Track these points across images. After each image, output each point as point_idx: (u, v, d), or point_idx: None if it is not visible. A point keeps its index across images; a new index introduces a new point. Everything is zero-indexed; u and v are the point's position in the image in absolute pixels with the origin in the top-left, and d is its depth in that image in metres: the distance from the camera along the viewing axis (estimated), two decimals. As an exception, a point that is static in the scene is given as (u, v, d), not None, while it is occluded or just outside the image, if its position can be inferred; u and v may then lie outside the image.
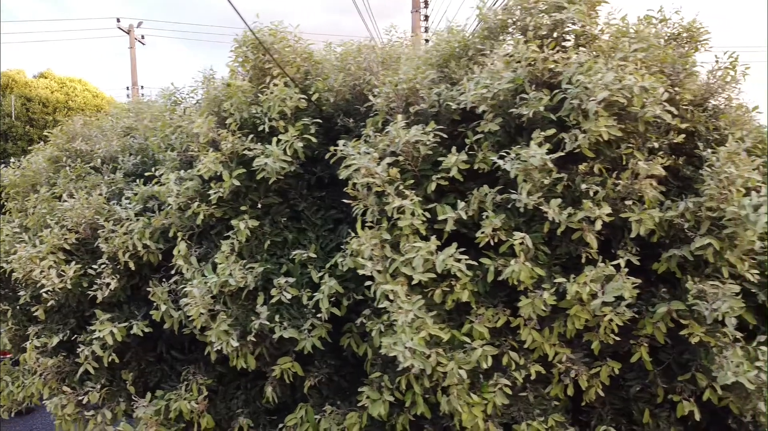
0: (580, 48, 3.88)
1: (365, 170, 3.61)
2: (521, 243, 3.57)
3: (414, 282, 3.57)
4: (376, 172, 3.59)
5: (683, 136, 4.09)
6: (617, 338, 3.80)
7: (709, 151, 3.81)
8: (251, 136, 4.29)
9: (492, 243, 3.65)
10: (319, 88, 4.49)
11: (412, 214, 3.62)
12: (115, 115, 6.53)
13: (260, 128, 4.28)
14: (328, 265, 4.12)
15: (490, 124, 3.73)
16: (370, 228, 3.76)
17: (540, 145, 3.55)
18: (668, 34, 4.69)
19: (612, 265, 3.60)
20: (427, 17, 18.32)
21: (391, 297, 3.55)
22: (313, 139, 4.23)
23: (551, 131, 3.59)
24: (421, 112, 3.99)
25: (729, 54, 4.43)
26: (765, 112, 4.95)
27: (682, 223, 3.69)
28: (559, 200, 3.51)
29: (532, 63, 3.77)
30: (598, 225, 3.50)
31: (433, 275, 3.52)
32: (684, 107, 4.27)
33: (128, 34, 28.27)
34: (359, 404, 4.08)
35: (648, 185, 3.59)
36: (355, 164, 3.62)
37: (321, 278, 4.08)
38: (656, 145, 3.82)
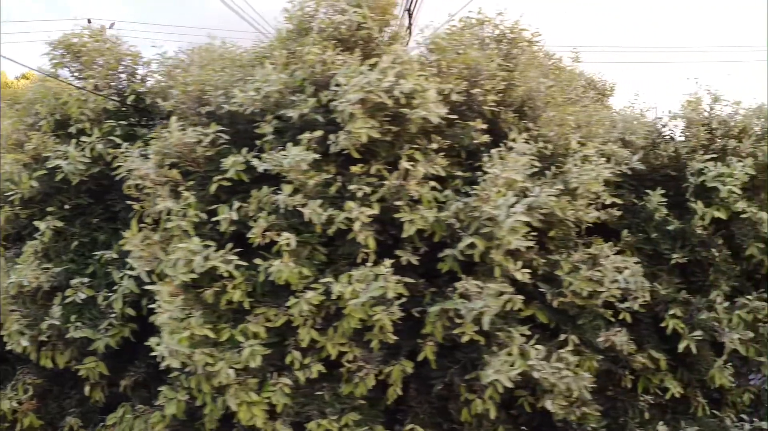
0: (367, 52, 3.91)
1: (137, 172, 3.63)
2: (287, 244, 3.59)
3: (180, 283, 3.59)
4: (147, 173, 3.61)
5: (487, 135, 4.13)
6: (396, 337, 3.84)
7: (495, 151, 3.84)
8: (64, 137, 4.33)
9: (263, 244, 3.68)
10: (134, 89, 4.52)
11: (184, 215, 3.65)
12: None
13: (69, 130, 4.31)
14: (128, 266, 4.15)
15: (266, 125, 3.75)
16: (152, 229, 3.79)
17: (308, 146, 3.58)
18: (491, 36, 4.72)
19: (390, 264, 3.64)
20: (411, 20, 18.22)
21: (157, 297, 3.59)
22: (119, 141, 4.25)
23: (319, 132, 3.62)
24: (210, 113, 4.01)
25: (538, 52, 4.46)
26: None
27: (455, 223, 3.72)
28: (320, 201, 3.53)
29: (312, 65, 3.79)
30: (357, 226, 3.52)
31: (195, 275, 3.55)
32: (489, 107, 4.29)
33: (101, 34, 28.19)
34: (156, 403, 4.11)
35: (415, 186, 3.62)
36: (127, 166, 3.64)
37: (122, 278, 4.11)
38: (435, 146, 3.84)
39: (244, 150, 3.84)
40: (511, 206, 3.42)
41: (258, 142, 3.93)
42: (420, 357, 3.97)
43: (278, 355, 3.98)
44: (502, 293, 3.63)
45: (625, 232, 4.74)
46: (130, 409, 4.53)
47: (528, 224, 3.92)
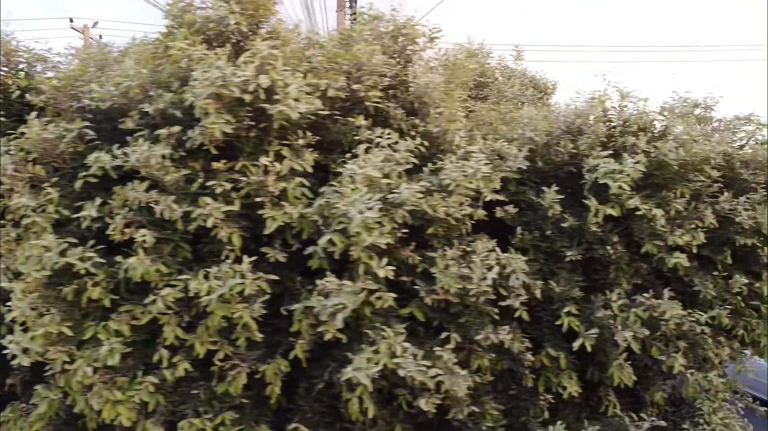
0: (238, 48, 3.87)
1: (-4, 168, 3.60)
2: (144, 241, 3.56)
3: (35, 280, 3.56)
4: (5, 169, 3.58)
5: (370, 132, 4.08)
6: (269, 335, 3.80)
7: (360, 147, 3.80)
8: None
9: (122, 241, 3.65)
10: (21, 86, 4.48)
11: (43, 211, 3.61)
12: None
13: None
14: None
15: (129, 121, 3.72)
16: (14, 226, 3.76)
17: (167, 142, 3.55)
18: (386, 32, 4.67)
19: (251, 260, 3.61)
20: (354, 15, 18.24)
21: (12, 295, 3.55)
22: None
23: (177, 128, 3.58)
24: (81, 108, 3.98)
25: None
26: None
27: (318, 220, 3.68)
28: (172, 197, 3.50)
29: (178, 61, 3.76)
30: (210, 223, 3.48)
31: (48, 272, 3.51)
32: (372, 103, 4.25)
33: (82, 33, 28.25)
34: (31, 401, 4.08)
35: (274, 182, 3.58)
36: (-14, 162, 3.61)
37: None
38: (302, 142, 3.80)
39: (115, 146, 3.81)
40: (366, 203, 3.38)
41: (129, 138, 3.89)
42: (291, 356, 3.94)
43: (150, 353, 3.95)
44: (363, 290, 3.59)
45: (519, 230, 4.71)
46: (18, 408, 4.51)
47: (403, 221, 3.92)
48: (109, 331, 3.68)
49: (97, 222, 3.72)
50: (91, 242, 3.66)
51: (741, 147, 5.75)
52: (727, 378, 6.23)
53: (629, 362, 4.98)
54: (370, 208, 3.40)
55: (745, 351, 6.14)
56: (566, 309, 4.63)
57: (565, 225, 4.69)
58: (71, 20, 28.48)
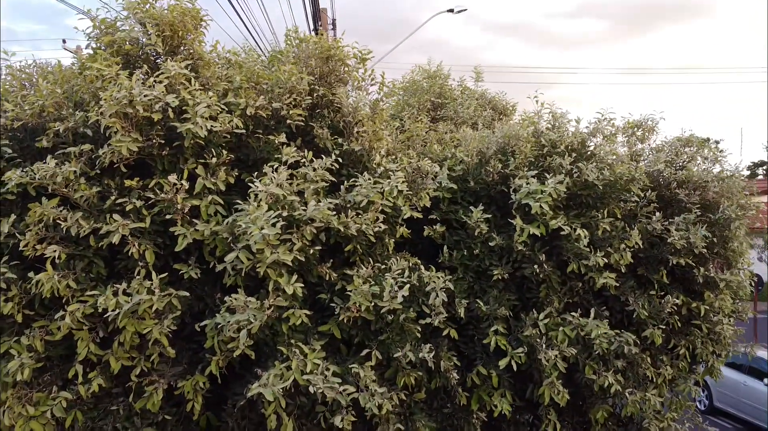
0: (155, 68, 3.97)
1: None
2: (55, 257, 3.62)
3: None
4: None
5: (293, 149, 4.16)
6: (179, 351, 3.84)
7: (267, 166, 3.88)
8: None
9: (35, 257, 3.70)
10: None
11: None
12: None
13: None
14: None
15: (45, 139, 3.80)
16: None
17: (77, 160, 3.62)
18: (313, 53, 4.78)
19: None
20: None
21: None
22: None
23: (88, 146, 3.66)
24: (5, 126, 4.06)
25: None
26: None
27: (228, 237, 3.74)
28: (80, 213, 3.56)
29: (93, 81, 3.86)
30: (116, 239, 3.54)
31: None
32: (295, 122, 4.33)
33: (75, 54, 28.61)
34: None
35: (182, 200, 3.65)
36: None
37: None
38: (215, 160, 3.87)
39: (37, 164, 3.89)
40: (269, 220, 3.44)
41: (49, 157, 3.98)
42: (206, 372, 3.97)
43: (68, 369, 3.98)
44: (271, 307, 3.64)
45: (445, 249, 4.76)
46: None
47: (316, 238, 3.98)
48: (22, 346, 3.71)
49: (13, 239, 3.78)
50: (5, 258, 3.71)
51: (681, 167, 5.83)
52: (679, 397, 6.20)
53: (570, 381, 5.01)
54: (273, 225, 3.45)
55: (695, 370, 6.14)
56: (494, 328, 4.65)
57: (492, 244, 4.74)
58: (64, 41, 28.92)
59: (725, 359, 5.97)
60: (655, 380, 5.51)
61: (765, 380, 12.42)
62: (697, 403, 13.46)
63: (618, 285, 4.99)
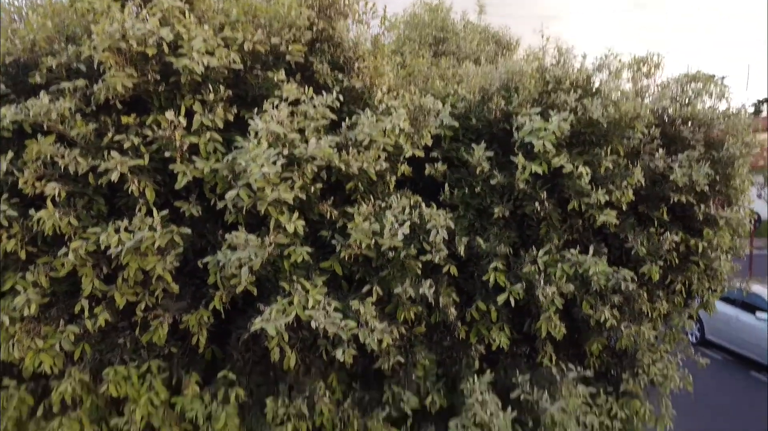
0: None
1: None
2: (55, 194, 3.61)
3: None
4: None
5: (295, 86, 4.07)
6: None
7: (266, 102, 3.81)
8: None
9: (34, 194, 3.69)
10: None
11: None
12: None
13: None
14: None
15: (37, 75, 3.72)
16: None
17: (73, 96, 3.55)
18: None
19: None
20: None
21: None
22: None
23: (82, 82, 3.58)
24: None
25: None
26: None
27: (228, 175, 3.72)
28: (77, 150, 3.53)
29: (84, 14, 3.73)
30: (115, 176, 3.52)
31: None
32: (294, 57, 4.23)
33: None
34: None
35: (180, 137, 3.60)
36: None
37: None
38: (212, 97, 3.79)
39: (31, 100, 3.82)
40: (269, 158, 3.41)
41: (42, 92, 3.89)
42: (210, 307, 4.03)
43: (74, 304, 4.05)
44: (271, 244, 3.66)
45: (446, 187, 4.74)
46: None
47: (317, 176, 3.97)
48: (27, 282, 3.76)
49: (12, 176, 3.76)
50: (5, 195, 3.70)
51: (687, 104, 5.72)
52: (672, 331, 6.34)
53: (567, 316, 5.11)
54: (274, 163, 3.42)
55: (690, 305, 6.24)
56: (494, 265, 4.69)
57: (493, 182, 4.72)
58: None
59: (720, 294, 6.07)
60: (650, 314, 5.62)
61: (757, 314, 12.70)
62: (690, 336, 13.83)
63: (618, 222, 5.00)
